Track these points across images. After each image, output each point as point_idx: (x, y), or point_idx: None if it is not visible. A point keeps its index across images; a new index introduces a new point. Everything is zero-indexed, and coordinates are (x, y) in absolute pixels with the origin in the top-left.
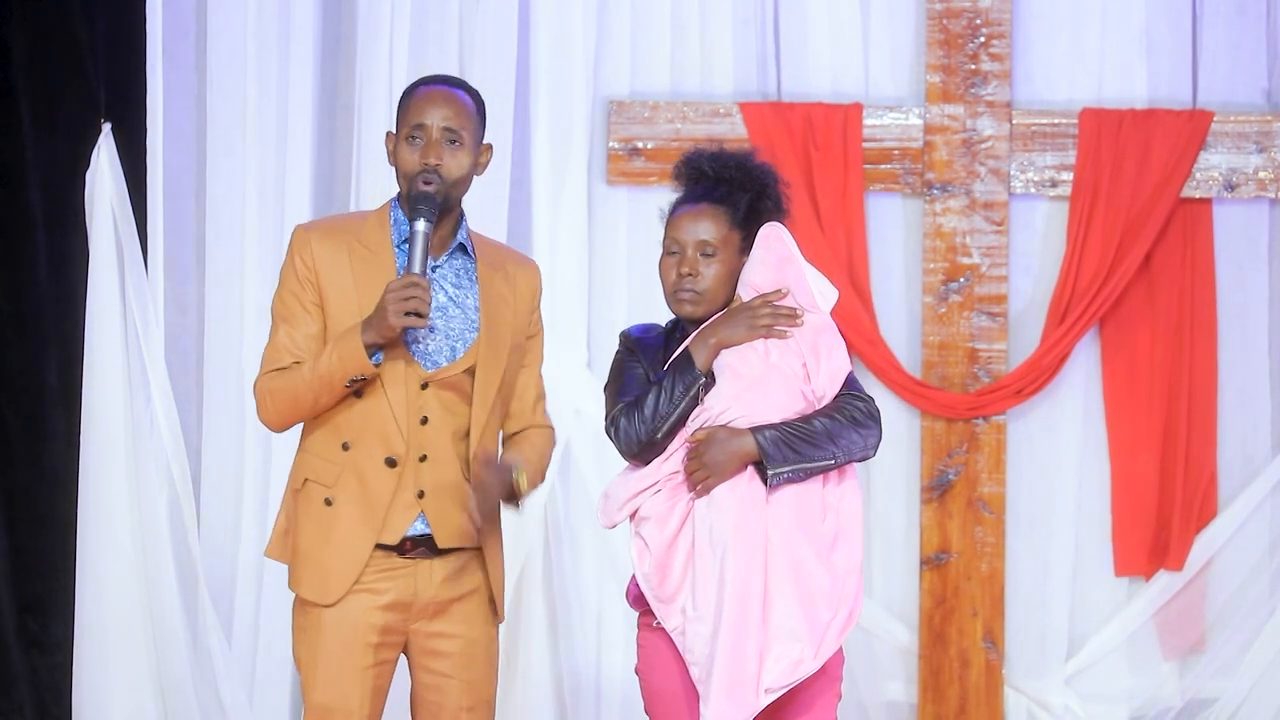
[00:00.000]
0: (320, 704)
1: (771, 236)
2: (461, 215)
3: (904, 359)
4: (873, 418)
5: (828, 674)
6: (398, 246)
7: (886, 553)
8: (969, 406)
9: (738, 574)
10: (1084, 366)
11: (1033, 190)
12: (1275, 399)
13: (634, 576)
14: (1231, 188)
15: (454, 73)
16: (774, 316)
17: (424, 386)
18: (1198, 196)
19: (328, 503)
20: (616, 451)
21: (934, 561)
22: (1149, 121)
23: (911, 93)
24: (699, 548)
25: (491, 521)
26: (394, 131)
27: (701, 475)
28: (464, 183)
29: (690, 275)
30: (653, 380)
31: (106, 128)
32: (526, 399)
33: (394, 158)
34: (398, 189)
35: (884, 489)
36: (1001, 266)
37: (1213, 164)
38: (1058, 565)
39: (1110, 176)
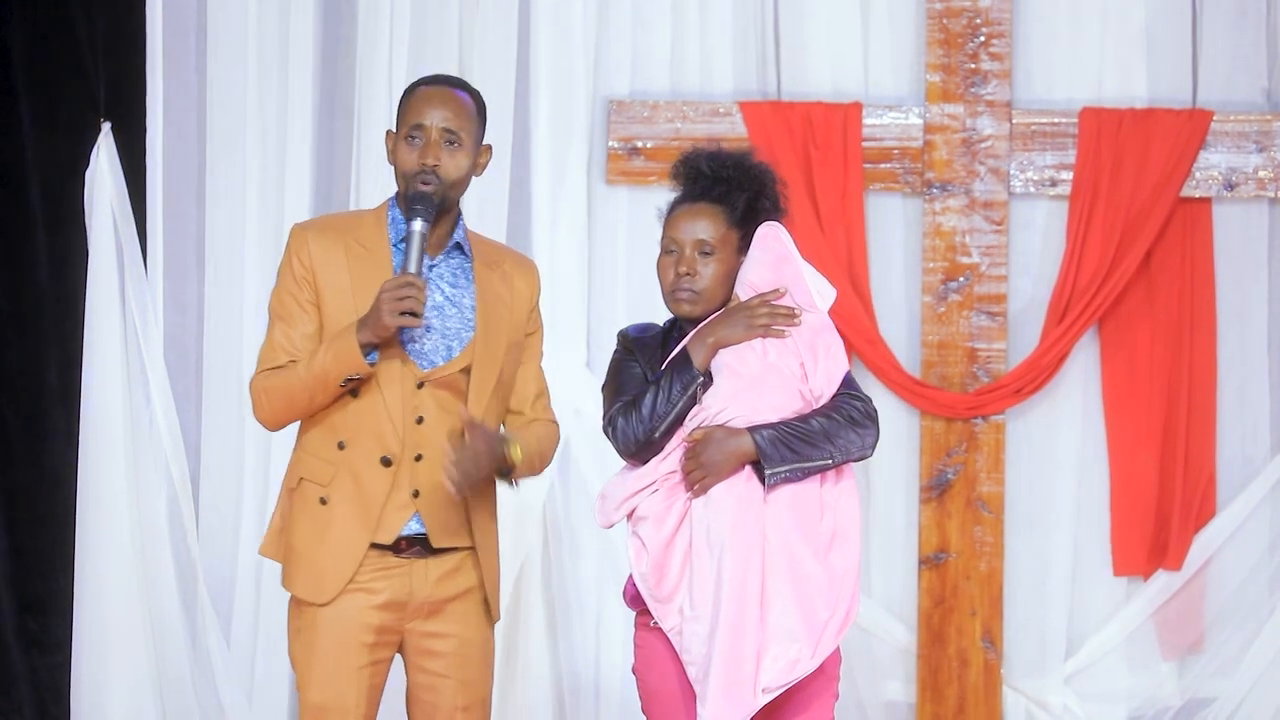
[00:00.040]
0: (315, 703)
1: (769, 236)
2: (459, 215)
3: (903, 358)
4: (870, 417)
5: (825, 674)
6: (395, 246)
7: (885, 552)
8: (968, 406)
9: (735, 574)
10: (1083, 366)
11: (1032, 190)
12: (1275, 399)
13: (631, 576)
14: (1231, 187)
15: (454, 73)
16: (772, 316)
17: (420, 386)
18: (1197, 196)
19: (323, 502)
20: (614, 451)
21: (933, 561)
22: (1149, 121)
23: (911, 92)
24: (696, 547)
25: (478, 494)
26: (394, 130)
27: (699, 475)
28: (462, 184)
29: (688, 274)
30: (650, 380)
31: (106, 127)
32: (526, 395)
33: (392, 156)
34: (396, 188)
35: (883, 488)
36: (1001, 266)
37: (1212, 163)
38: (1057, 565)
39: (1110, 176)
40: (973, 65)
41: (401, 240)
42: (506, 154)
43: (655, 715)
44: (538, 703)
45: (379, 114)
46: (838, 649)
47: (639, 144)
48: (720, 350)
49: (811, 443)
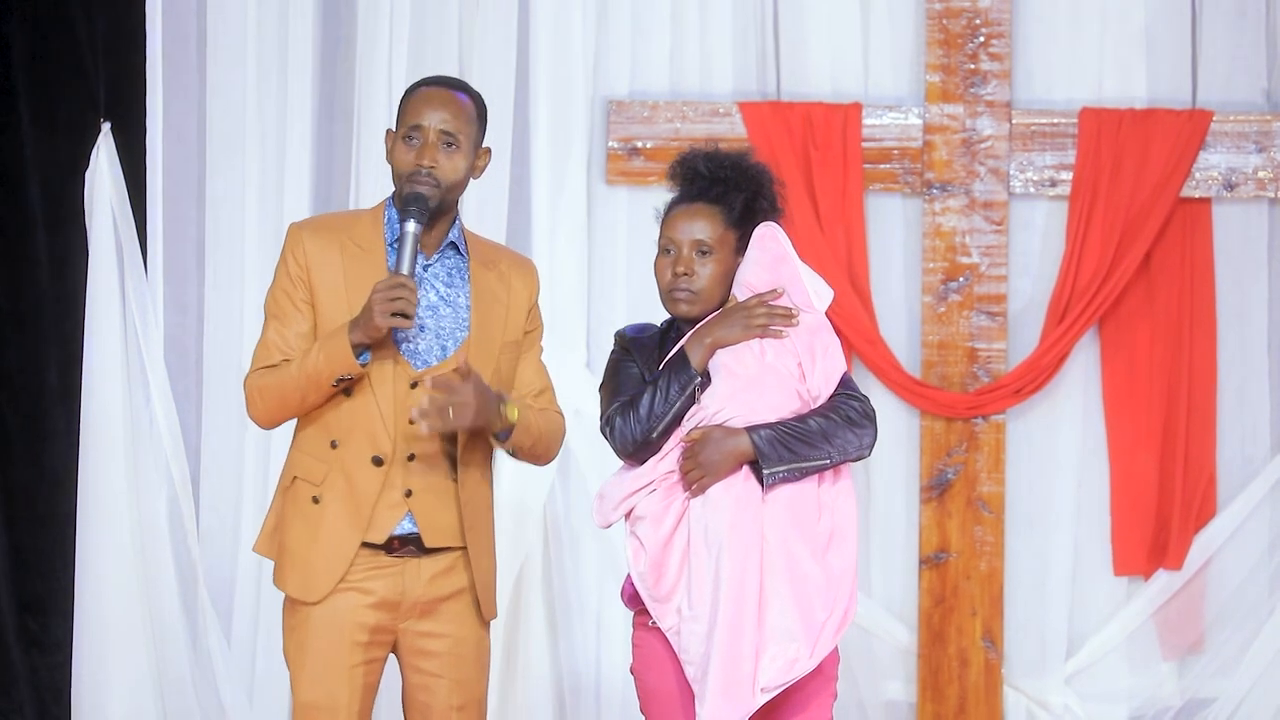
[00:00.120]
0: (307, 702)
1: (767, 236)
2: (456, 215)
3: (903, 358)
4: (868, 417)
5: (823, 673)
6: (390, 246)
7: (886, 552)
8: (968, 406)
9: (733, 573)
10: (1083, 366)
11: (1032, 190)
12: (1275, 399)
13: (629, 576)
14: (1231, 187)
15: (454, 73)
16: (769, 316)
17: (414, 386)
18: (1197, 196)
19: (315, 501)
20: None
21: (933, 561)
22: (1149, 121)
23: (911, 92)
24: (694, 547)
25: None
26: (394, 129)
27: (697, 475)
28: (459, 186)
29: (685, 275)
30: (648, 380)
31: (106, 127)
32: (528, 390)
33: (390, 156)
34: (394, 188)
35: (883, 488)
36: (1001, 266)
37: (1212, 164)
38: (1057, 565)
39: (1110, 176)
40: (972, 65)
41: (396, 240)
42: (506, 154)
43: (654, 715)
44: (538, 703)
45: (379, 116)
46: (836, 649)
47: (639, 144)
48: (718, 350)
49: (809, 443)
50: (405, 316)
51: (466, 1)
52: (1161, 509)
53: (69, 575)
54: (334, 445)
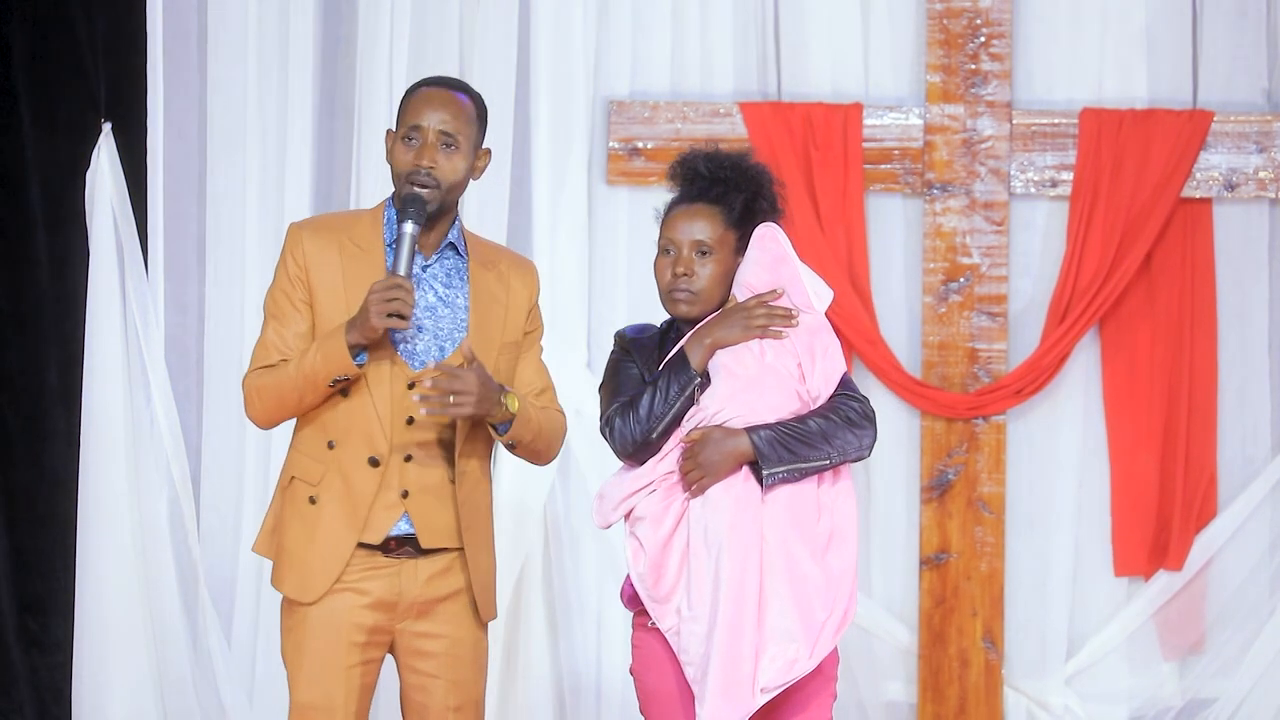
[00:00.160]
0: (303, 702)
1: (767, 237)
2: (456, 216)
3: (904, 359)
4: (868, 418)
5: (823, 674)
6: (389, 246)
7: (886, 552)
8: (969, 406)
9: (733, 574)
10: (1084, 366)
11: (1033, 190)
12: (1275, 399)
13: (628, 576)
14: (1231, 188)
15: (454, 73)
16: (769, 317)
17: (411, 386)
18: (1198, 196)
19: (312, 501)
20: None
21: (934, 561)
22: (1149, 121)
23: (911, 93)
24: (694, 548)
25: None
26: (394, 130)
27: (696, 475)
28: (459, 187)
29: (685, 275)
30: (648, 380)
31: (106, 128)
32: (529, 390)
33: (390, 156)
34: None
35: (884, 489)
36: (1001, 266)
37: (1213, 164)
38: (1057, 565)
39: (1110, 176)
40: (973, 66)
41: (395, 241)
42: (507, 154)
43: (653, 715)
44: (538, 703)
45: (379, 114)
46: (835, 649)
47: (639, 144)
48: (718, 351)
49: (809, 443)
50: (401, 317)
51: (466, 1)
52: (1162, 509)
53: (69, 575)
54: (331, 445)
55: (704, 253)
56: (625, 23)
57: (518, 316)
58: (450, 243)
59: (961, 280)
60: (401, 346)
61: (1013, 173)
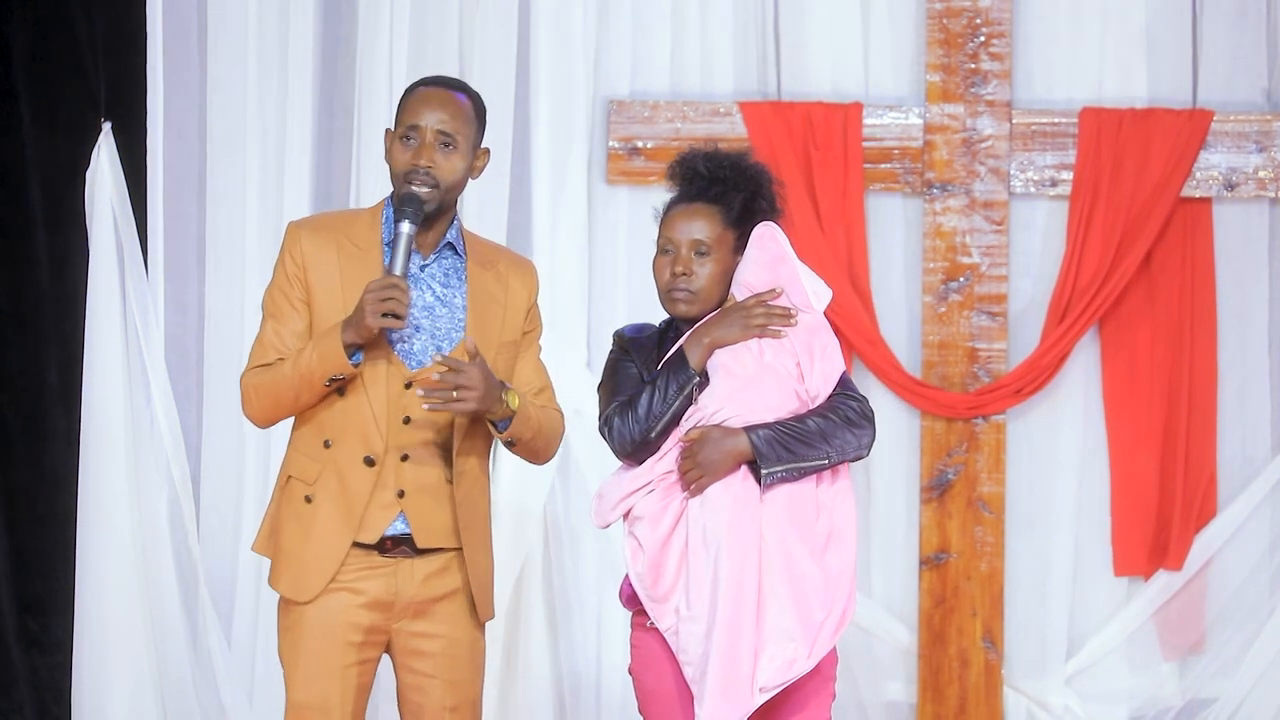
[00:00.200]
0: (300, 701)
1: (766, 236)
2: (454, 215)
3: (904, 359)
4: (866, 417)
5: (822, 673)
6: (386, 245)
7: (886, 552)
8: (969, 406)
9: (732, 573)
10: (1084, 366)
11: (1033, 190)
12: (1275, 399)
13: (627, 576)
14: (1231, 187)
15: (454, 73)
16: (768, 316)
17: (408, 386)
18: (1198, 196)
19: (308, 500)
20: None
21: (933, 561)
22: (1149, 121)
23: (911, 92)
24: (693, 547)
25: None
26: (392, 129)
27: (695, 474)
28: (457, 187)
29: (684, 274)
30: (646, 380)
31: (106, 127)
32: (526, 389)
33: (388, 156)
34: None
35: (884, 489)
36: (1001, 266)
37: (1213, 164)
38: (1057, 565)
39: (1110, 176)
40: (973, 65)
41: (392, 241)
42: (506, 154)
43: (652, 715)
44: (538, 703)
45: (379, 114)
46: (834, 649)
47: (639, 144)
48: (716, 350)
49: (808, 443)
50: (396, 317)
51: (466, 1)
52: (1162, 509)
53: (69, 575)
54: (327, 445)
55: (703, 252)
56: (625, 22)
57: (516, 316)
58: (449, 242)
59: (961, 280)
60: (398, 346)
61: (1013, 172)
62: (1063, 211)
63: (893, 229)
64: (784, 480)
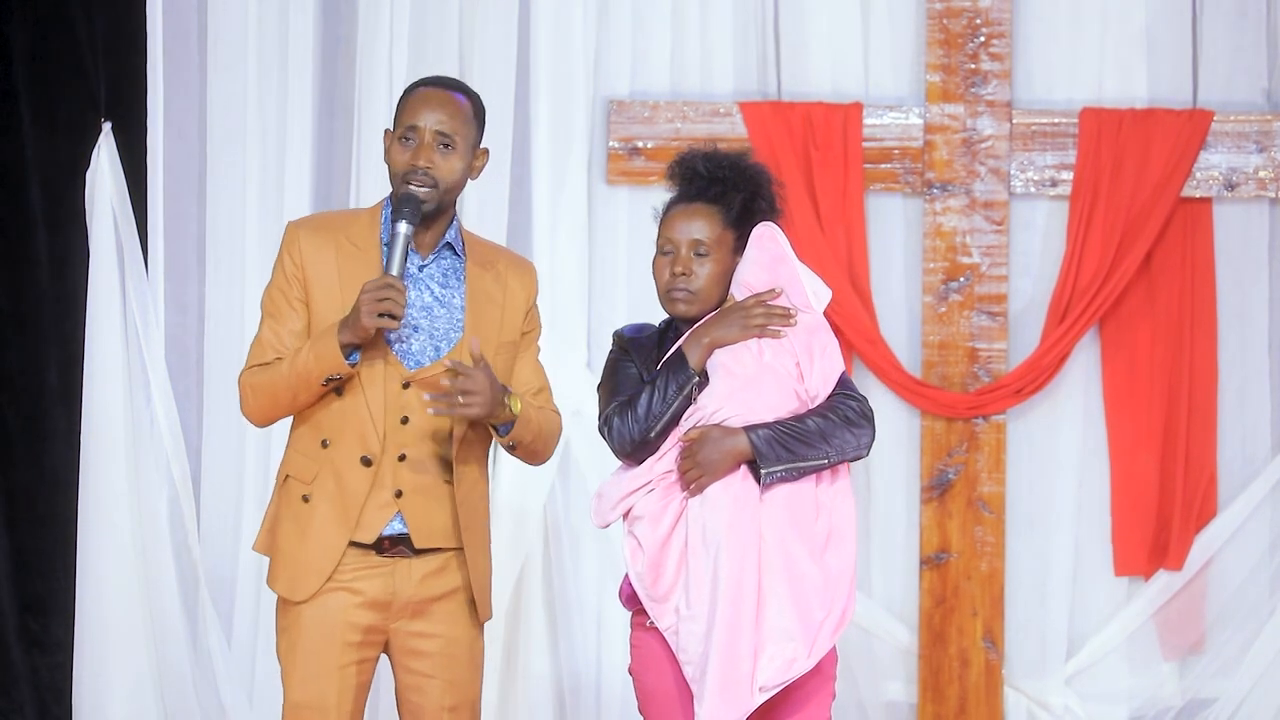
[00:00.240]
0: (297, 701)
1: (765, 236)
2: (454, 216)
3: (904, 358)
4: (866, 417)
5: (821, 673)
6: (384, 245)
7: (886, 552)
8: (969, 406)
9: (731, 573)
10: (1084, 366)
11: (1033, 190)
12: (1275, 399)
13: (627, 576)
14: (1231, 187)
15: (454, 73)
16: (768, 316)
17: (406, 386)
18: (1198, 196)
19: (305, 499)
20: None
21: (934, 561)
22: (1149, 121)
23: (911, 92)
24: (692, 547)
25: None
26: (391, 129)
27: (695, 474)
28: (456, 187)
29: (684, 275)
30: (646, 380)
31: (106, 127)
32: (525, 389)
33: (387, 156)
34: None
35: (884, 488)
36: (1001, 266)
37: (1213, 164)
38: (1057, 565)
39: (1110, 176)
40: (973, 65)
41: (389, 241)
42: (506, 154)
43: (652, 715)
44: (538, 703)
45: (379, 114)
46: (834, 648)
47: (639, 144)
48: (716, 350)
49: (807, 442)
50: (393, 317)
51: (466, 1)
52: (1162, 509)
53: (70, 576)
54: (325, 444)
55: (702, 253)
56: (625, 22)
57: (515, 317)
58: (447, 242)
59: (961, 280)
60: (396, 346)
61: (1013, 172)
62: (1063, 211)
63: (893, 229)
64: (783, 480)
